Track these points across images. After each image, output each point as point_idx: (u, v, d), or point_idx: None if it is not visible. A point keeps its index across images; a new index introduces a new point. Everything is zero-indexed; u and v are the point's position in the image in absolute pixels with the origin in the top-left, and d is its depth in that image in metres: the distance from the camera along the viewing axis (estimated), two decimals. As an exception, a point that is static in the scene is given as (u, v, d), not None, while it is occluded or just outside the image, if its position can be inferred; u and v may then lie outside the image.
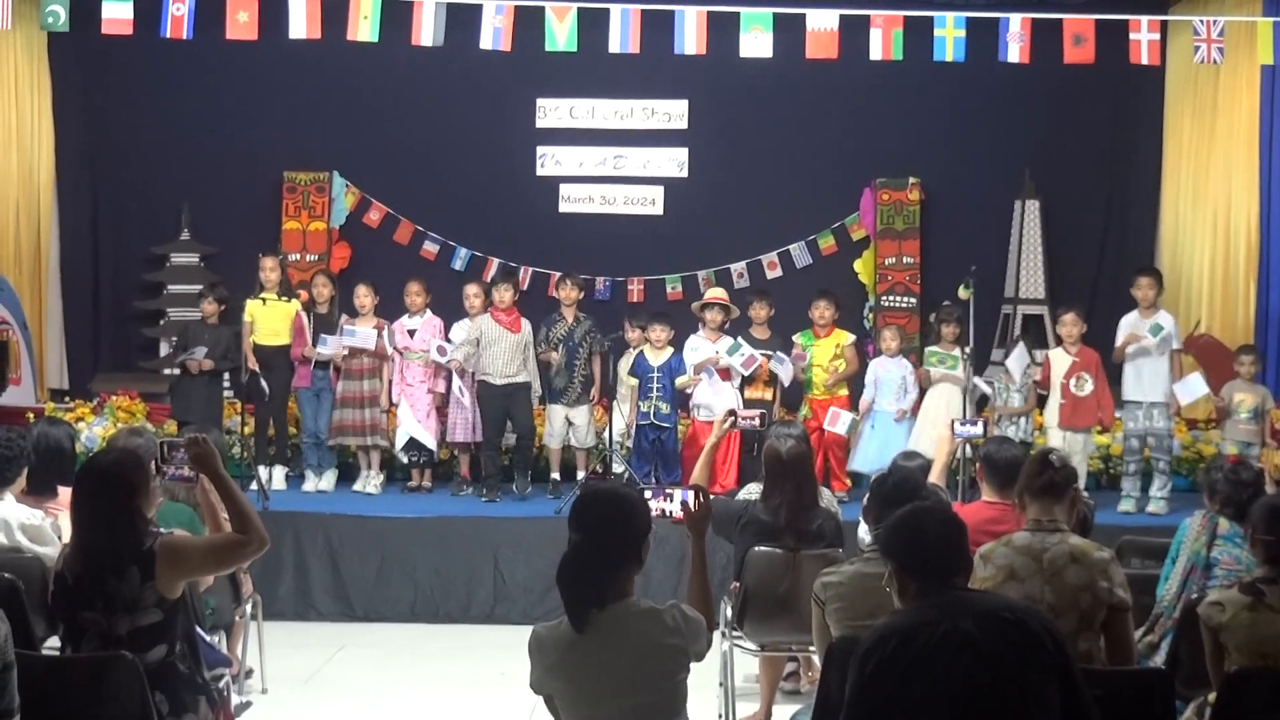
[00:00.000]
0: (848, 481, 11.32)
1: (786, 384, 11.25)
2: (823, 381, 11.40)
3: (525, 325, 11.23)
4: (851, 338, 11.69)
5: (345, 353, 11.23)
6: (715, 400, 11.00)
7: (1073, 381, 10.83)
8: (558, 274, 12.24)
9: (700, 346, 11.26)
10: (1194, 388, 10.78)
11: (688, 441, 11.30)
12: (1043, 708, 3.83)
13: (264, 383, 11.05)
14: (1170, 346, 10.85)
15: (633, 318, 11.89)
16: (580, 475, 11.40)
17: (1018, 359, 11.00)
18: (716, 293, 11.82)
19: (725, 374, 11.17)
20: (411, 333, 11.37)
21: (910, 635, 3.91)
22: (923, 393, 11.33)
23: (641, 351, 11.43)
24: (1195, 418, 12.19)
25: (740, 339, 11.20)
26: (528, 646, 4.31)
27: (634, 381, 11.30)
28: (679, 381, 11.21)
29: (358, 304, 11.41)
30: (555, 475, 11.44)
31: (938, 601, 3.99)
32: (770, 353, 11.27)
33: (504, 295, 11.20)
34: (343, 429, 11.35)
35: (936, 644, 3.86)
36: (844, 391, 11.49)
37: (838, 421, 11.09)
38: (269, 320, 11.36)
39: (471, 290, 11.46)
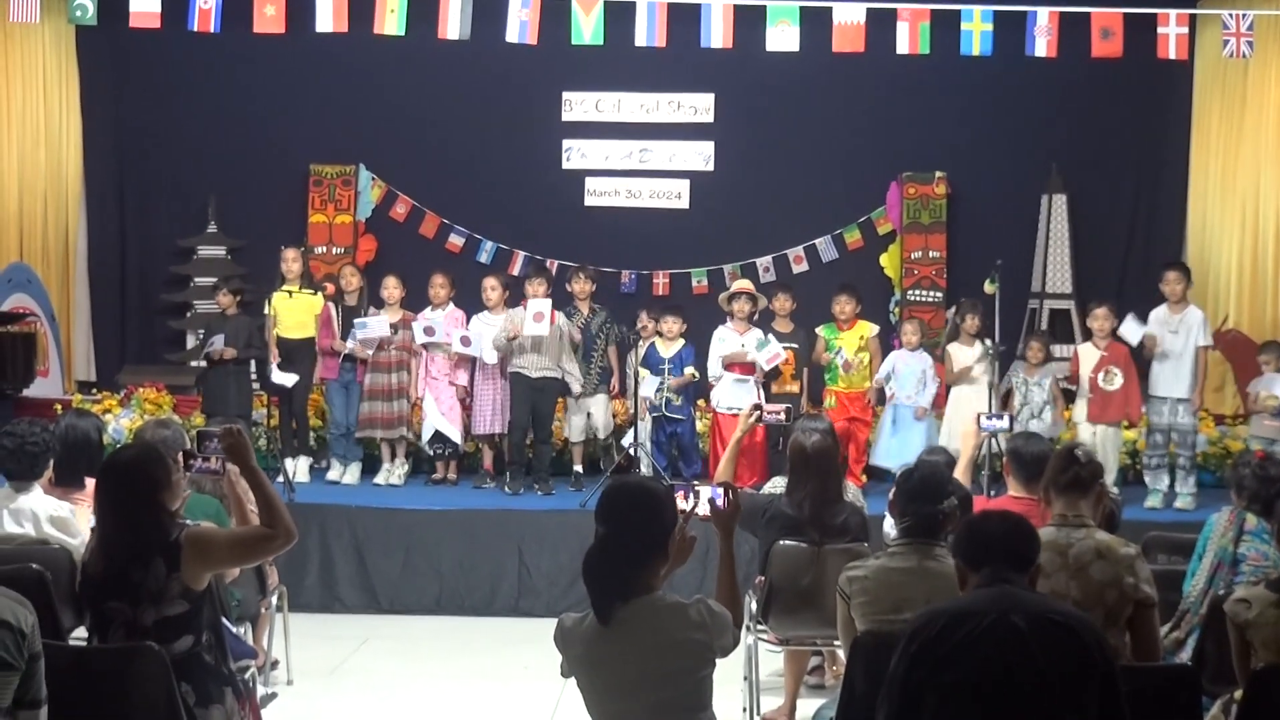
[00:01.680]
0: (863, 477, 11.29)
1: (767, 368, 11.19)
2: (851, 376, 11.39)
3: (560, 317, 11.21)
4: (875, 329, 11.69)
5: (370, 352, 11.23)
6: (739, 395, 11.01)
7: (1101, 376, 10.80)
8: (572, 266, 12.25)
9: (728, 338, 11.25)
10: (1133, 330, 10.77)
11: (712, 435, 11.31)
12: (1079, 714, 3.83)
13: (283, 379, 11.07)
14: (1196, 344, 10.81)
15: (648, 310, 11.88)
16: (578, 469, 11.47)
17: (1131, 329, 10.91)
18: (743, 283, 11.83)
19: (750, 368, 11.16)
20: (430, 329, 11.33)
21: (958, 620, 3.92)
22: (946, 388, 11.32)
23: (653, 343, 11.43)
24: (1223, 414, 12.17)
25: (770, 336, 11.19)
26: (553, 636, 4.32)
27: (646, 373, 11.30)
28: (686, 372, 11.21)
29: (385, 295, 11.42)
30: (578, 468, 11.46)
31: (991, 593, 4.00)
32: (794, 345, 11.30)
33: (537, 289, 11.18)
34: (371, 422, 11.35)
35: (982, 633, 3.87)
36: (866, 384, 11.48)
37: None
38: (292, 313, 11.39)
39: (489, 283, 11.44)
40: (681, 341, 11.42)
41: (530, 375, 11.03)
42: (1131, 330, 10.81)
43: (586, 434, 11.51)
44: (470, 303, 11.49)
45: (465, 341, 11.09)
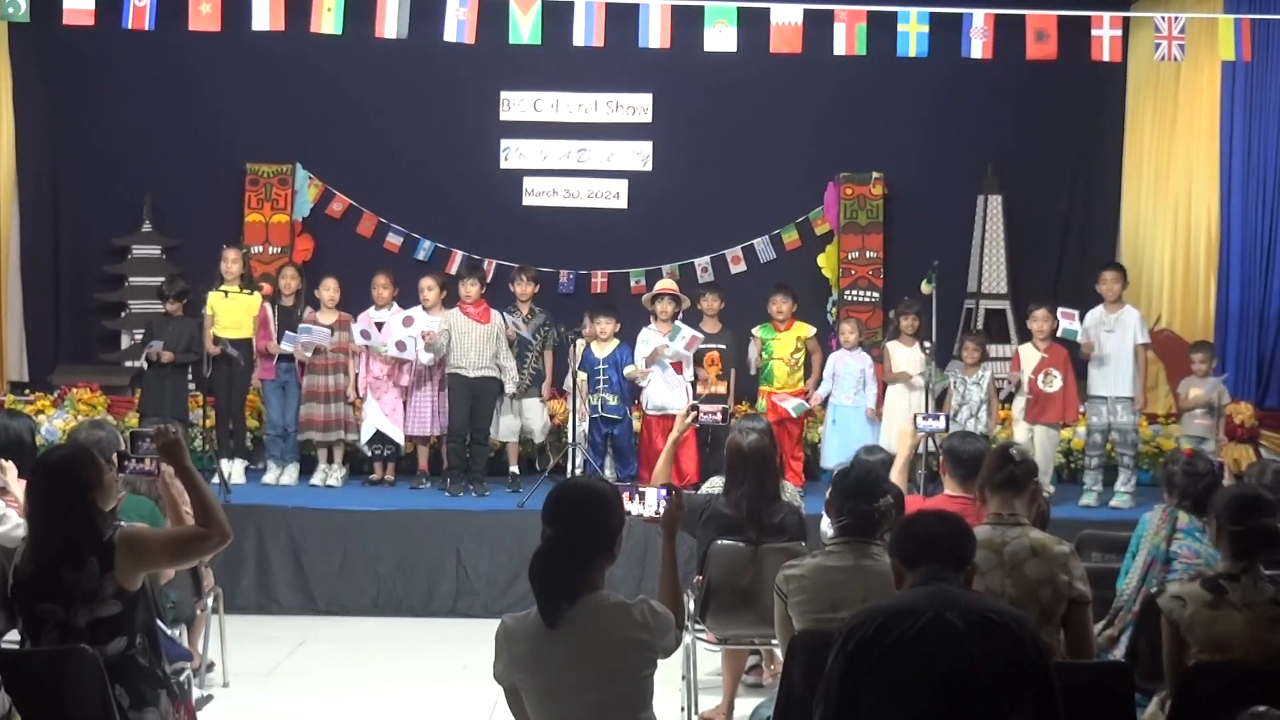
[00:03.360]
0: (802, 476, 11.33)
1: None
2: (784, 374, 11.44)
3: (495, 316, 11.21)
4: (812, 330, 11.74)
5: (309, 354, 11.18)
6: (670, 396, 11.05)
7: (1041, 377, 10.88)
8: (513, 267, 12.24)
9: (651, 339, 11.28)
10: (1070, 326, 10.88)
11: (642, 437, 11.33)
12: (1016, 712, 3.85)
13: (233, 351, 11.01)
14: (1135, 342, 10.92)
15: (591, 312, 11.88)
16: (513, 469, 11.49)
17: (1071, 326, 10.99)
18: (665, 284, 11.85)
19: (679, 367, 11.21)
20: (380, 325, 11.31)
21: (894, 619, 3.94)
22: (883, 387, 11.38)
23: (588, 345, 11.42)
24: (1155, 413, 12.29)
25: (678, 323, 11.21)
26: (495, 637, 4.29)
27: (584, 375, 11.29)
28: (627, 371, 11.23)
29: (325, 297, 11.37)
30: (514, 469, 11.45)
31: (927, 592, 4.02)
32: (720, 346, 11.37)
33: (470, 289, 11.20)
34: (310, 424, 11.31)
35: (919, 631, 3.89)
36: (801, 384, 11.53)
37: (788, 403, 11.20)
38: (230, 313, 11.32)
39: (426, 283, 11.40)
40: (616, 342, 11.42)
41: (469, 375, 11.02)
42: (1071, 327, 10.89)
43: (521, 435, 11.50)
44: (408, 303, 11.45)
45: (400, 346, 11.03)
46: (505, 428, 11.41)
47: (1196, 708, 4.81)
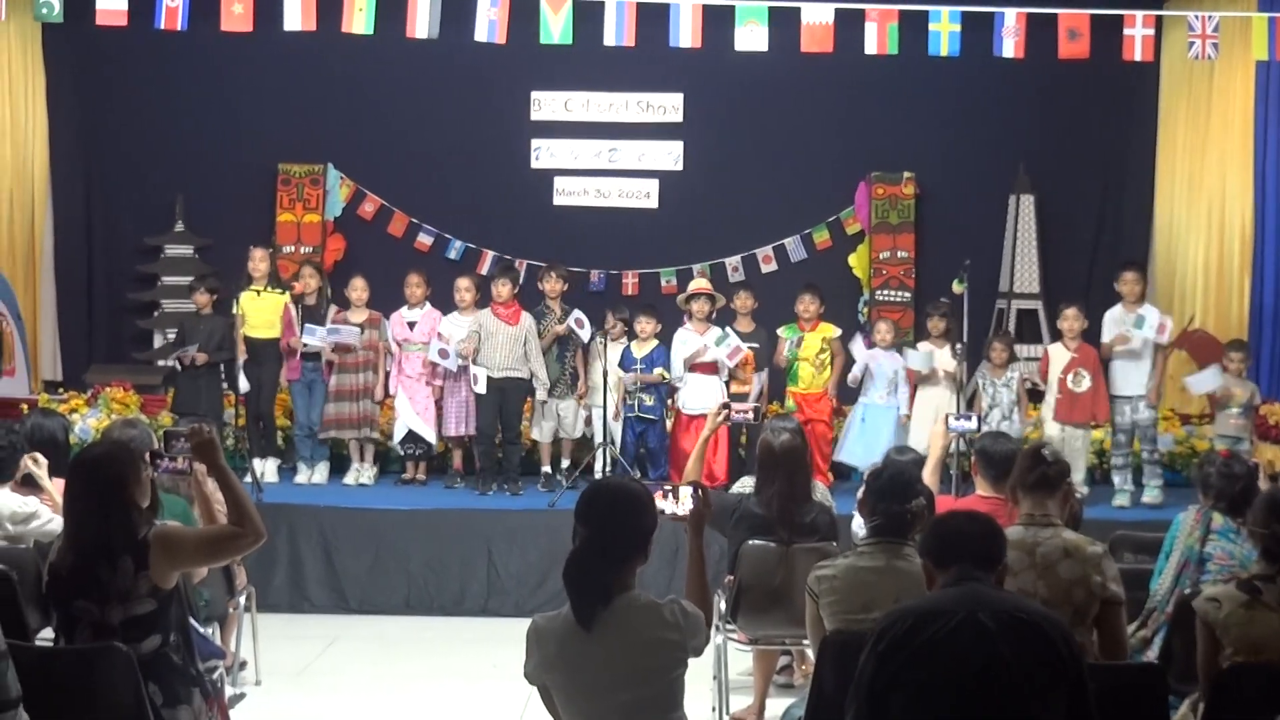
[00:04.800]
0: (830, 476, 11.31)
1: (730, 365, 11.19)
2: (809, 375, 11.42)
3: (525, 318, 11.21)
4: (838, 331, 11.68)
5: (330, 348, 11.21)
6: (702, 394, 11.03)
7: (1070, 377, 10.85)
8: (541, 266, 12.24)
9: (688, 339, 11.24)
10: (1207, 380, 10.88)
11: (673, 436, 11.31)
12: (1048, 713, 3.84)
13: (244, 382, 11.02)
14: (1156, 339, 10.88)
15: (614, 310, 11.85)
16: (565, 464, 11.49)
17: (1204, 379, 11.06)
18: (700, 283, 11.83)
19: (712, 367, 11.18)
20: (411, 325, 11.34)
21: (926, 619, 3.92)
22: (913, 389, 11.35)
23: (628, 345, 11.42)
24: (1189, 413, 12.23)
25: (728, 329, 11.21)
26: (526, 636, 4.29)
27: (620, 373, 11.29)
28: (655, 372, 11.19)
29: (353, 296, 11.40)
30: (546, 469, 11.45)
31: (958, 592, 4.01)
32: (755, 345, 11.34)
33: (501, 289, 11.20)
34: (337, 422, 11.34)
35: (950, 631, 3.87)
36: (829, 376, 11.50)
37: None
38: (260, 312, 11.34)
39: (463, 284, 11.42)
40: (655, 342, 11.40)
41: (495, 376, 11.01)
42: (1203, 381, 10.94)
43: (556, 435, 11.51)
44: (439, 303, 11.47)
45: (443, 354, 11.04)
46: (544, 431, 11.42)
47: (1231, 710, 4.78)
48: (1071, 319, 11.00)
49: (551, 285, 11.58)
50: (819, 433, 11.33)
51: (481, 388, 10.97)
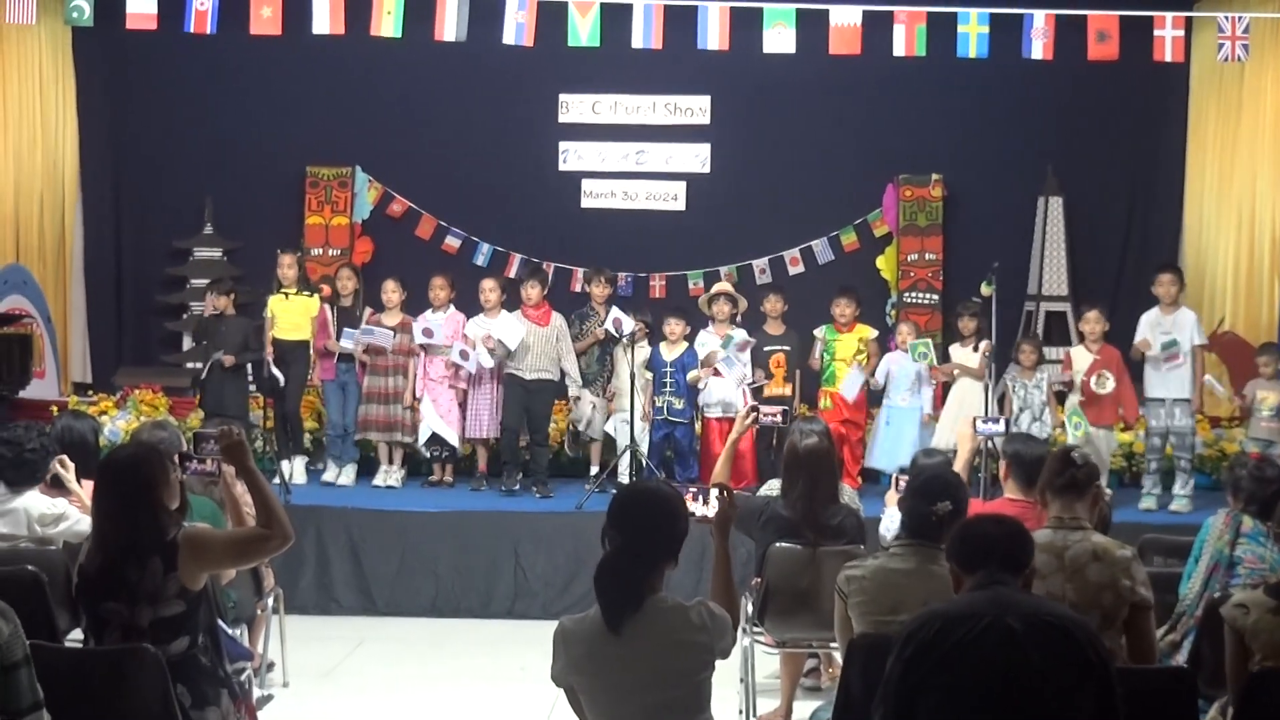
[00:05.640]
0: (859, 479, 11.30)
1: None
2: (845, 376, 11.40)
3: (556, 319, 11.24)
4: (874, 333, 11.68)
5: (362, 349, 11.24)
6: (730, 397, 11.02)
7: (1094, 379, 10.81)
8: (582, 270, 12.29)
9: (709, 342, 11.24)
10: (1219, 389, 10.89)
11: (704, 439, 11.31)
12: (1076, 717, 3.82)
13: (276, 372, 11.04)
14: (1191, 344, 10.83)
15: (637, 312, 11.80)
16: (594, 470, 11.51)
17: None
18: (721, 285, 11.82)
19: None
20: (430, 330, 11.29)
21: (954, 623, 3.92)
22: (941, 388, 11.33)
23: (657, 346, 11.40)
24: (1219, 415, 12.17)
25: (733, 343, 11.14)
26: (553, 638, 4.29)
27: (649, 375, 11.29)
28: (689, 376, 11.18)
29: (385, 299, 11.43)
30: (595, 469, 11.49)
31: (986, 596, 4.00)
32: (786, 348, 11.33)
33: (531, 292, 11.22)
34: (367, 424, 11.37)
35: (978, 635, 3.87)
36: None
37: (846, 382, 11.17)
38: (289, 314, 11.37)
39: (488, 285, 11.42)
40: (685, 345, 11.35)
41: (525, 377, 11.03)
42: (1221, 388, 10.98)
43: (579, 433, 11.55)
44: (466, 306, 11.48)
45: (464, 356, 11.04)
46: (595, 425, 11.48)
47: (1259, 715, 4.76)
48: (1093, 321, 10.97)
49: (600, 289, 11.61)
50: (852, 435, 11.32)
51: (488, 362, 11.03)
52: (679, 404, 11.22)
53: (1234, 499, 6.69)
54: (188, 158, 14.05)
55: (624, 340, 11.13)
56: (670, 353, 11.30)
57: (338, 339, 11.32)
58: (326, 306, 11.52)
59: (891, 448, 10.97)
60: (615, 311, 11.17)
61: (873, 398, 11.69)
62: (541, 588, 10.04)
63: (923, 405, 11.26)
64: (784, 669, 7.41)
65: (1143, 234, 14.11)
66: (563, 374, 11.24)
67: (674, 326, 11.34)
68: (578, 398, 11.37)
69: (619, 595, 4.20)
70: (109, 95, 14.23)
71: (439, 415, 11.30)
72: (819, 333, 11.58)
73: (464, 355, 11.05)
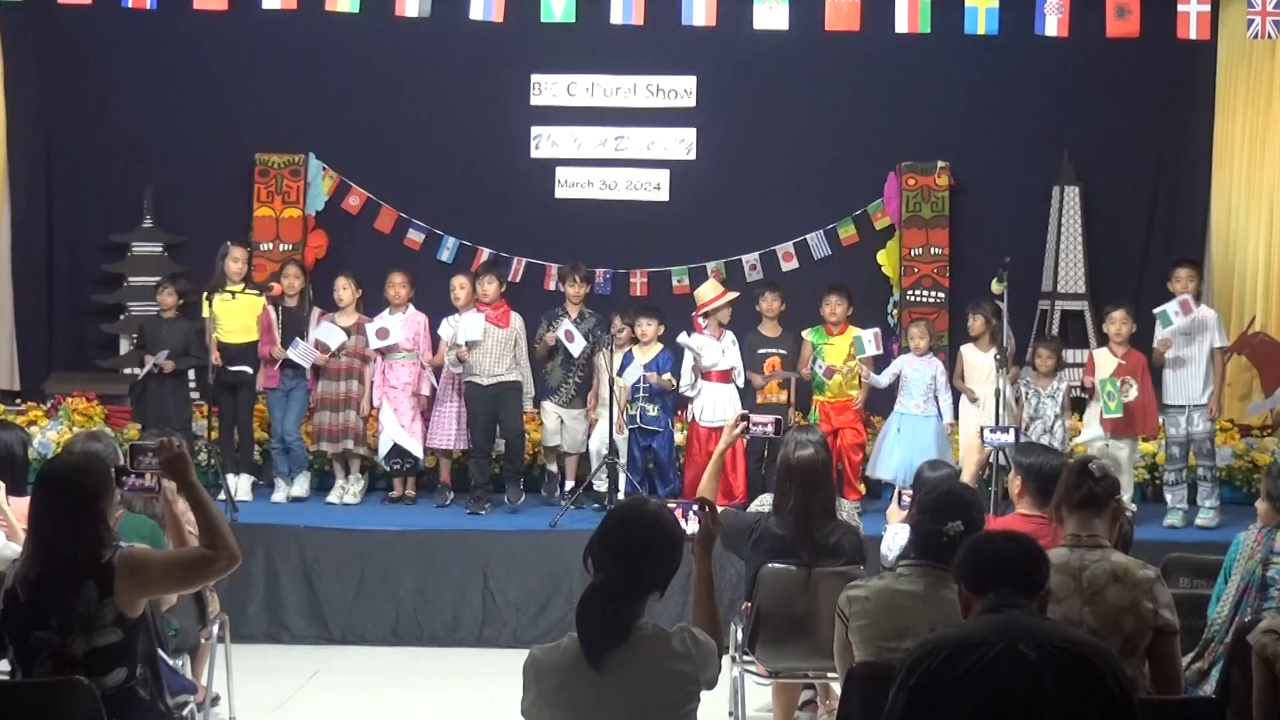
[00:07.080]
0: (861, 489, 11.31)
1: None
2: (838, 383, 11.40)
3: (515, 319, 11.25)
4: (874, 330, 11.67)
5: (324, 360, 11.23)
6: (719, 405, 11.04)
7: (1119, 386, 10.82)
8: (556, 266, 12.27)
9: (707, 345, 11.25)
10: (1265, 405, 10.91)
11: (689, 450, 11.30)
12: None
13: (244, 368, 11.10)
14: (1212, 345, 10.86)
15: (623, 314, 11.81)
16: (569, 485, 11.47)
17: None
18: (729, 295, 11.73)
19: (724, 375, 11.19)
20: (383, 331, 11.30)
21: (962, 651, 3.92)
22: (956, 393, 11.33)
23: (630, 350, 11.39)
24: (1249, 424, 12.21)
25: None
26: (523, 670, 4.29)
27: (624, 382, 11.25)
28: (664, 378, 11.18)
29: (337, 298, 11.41)
30: (570, 483, 11.47)
31: (997, 620, 4.00)
32: (781, 351, 11.36)
33: (488, 289, 11.22)
34: (319, 434, 11.35)
35: (989, 664, 3.87)
36: (854, 392, 11.48)
37: (862, 344, 11.24)
38: (236, 315, 11.34)
39: (458, 281, 11.43)
40: (659, 346, 11.36)
41: (483, 383, 11.05)
42: (1261, 406, 10.98)
43: (560, 446, 11.53)
44: (430, 305, 11.46)
45: (381, 334, 11.18)
46: (548, 431, 11.48)
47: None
48: (1119, 322, 10.98)
49: (575, 289, 11.53)
50: (847, 445, 11.33)
51: (452, 402, 11.10)
52: (653, 411, 11.20)
53: (1269, 505, 6.65)
54: (126, 144, 13.98)
55: (589, 353, 11.19)
56: (644, 356, 11.28)
57: (284, 344, 11.27)
58: (270, 308, 11.47)
59: (904, 457, 10.94)
60: (566, 324, 11.15)
61: (878, 403, 11.68)
62: (512, 613, 10.04)
63: (941, 414, 11.23)
64: (777, 701, 7.41)
65: (1166, 226, 14.11)
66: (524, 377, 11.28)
67: (645, 327, 11.32)
68: (537, 410, 11.37)
69: (603, 628, 4.18)
70: (39, 76, 14.14)
71: (401, 425, 11.28)
72: (807, 335, 11.57)
73: (381, 333, 11.14)
